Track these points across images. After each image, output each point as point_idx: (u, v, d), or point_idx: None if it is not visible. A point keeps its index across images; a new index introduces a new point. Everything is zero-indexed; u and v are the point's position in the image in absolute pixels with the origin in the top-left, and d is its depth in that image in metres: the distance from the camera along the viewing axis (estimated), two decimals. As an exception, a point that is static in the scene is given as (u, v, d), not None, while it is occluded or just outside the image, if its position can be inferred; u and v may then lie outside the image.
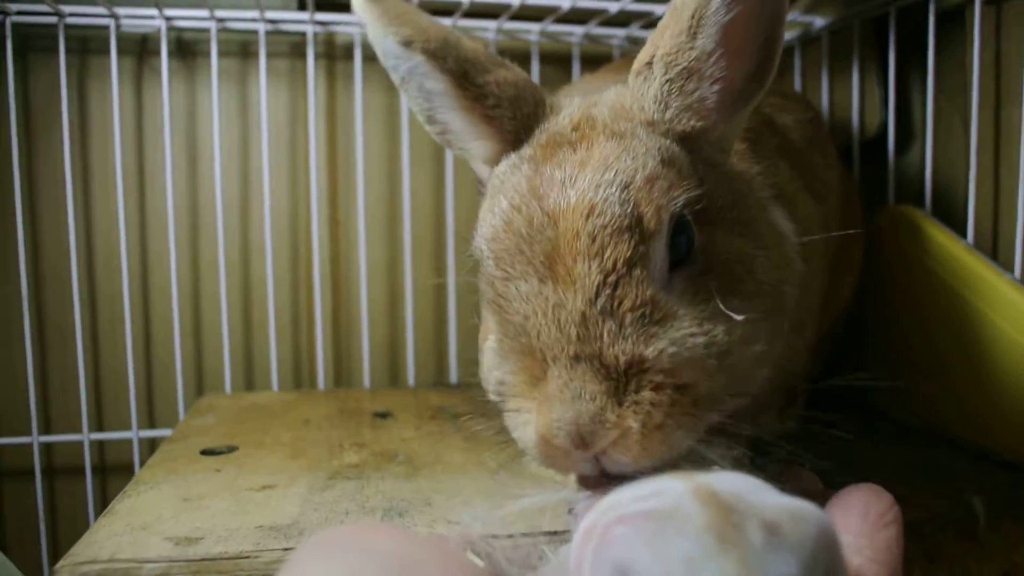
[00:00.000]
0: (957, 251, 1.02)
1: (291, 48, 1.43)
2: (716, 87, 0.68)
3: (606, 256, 0.59)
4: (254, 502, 0.78)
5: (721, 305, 0.62)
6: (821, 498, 0.60)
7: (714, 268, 0.64)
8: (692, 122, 0.68)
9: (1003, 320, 0.94)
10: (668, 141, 0.67)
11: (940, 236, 1.05)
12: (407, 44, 0.71)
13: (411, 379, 1.43)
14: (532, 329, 0.59)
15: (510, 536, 0.66)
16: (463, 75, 0.69)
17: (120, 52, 1.30)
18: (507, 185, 0.66)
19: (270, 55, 1.38)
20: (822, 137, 1.03)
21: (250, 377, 1.45)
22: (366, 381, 1.42)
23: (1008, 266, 0.98)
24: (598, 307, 0.58)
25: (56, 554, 0.65)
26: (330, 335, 1.47)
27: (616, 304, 0.58)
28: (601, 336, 0.58)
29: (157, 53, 1.32)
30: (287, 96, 1.44)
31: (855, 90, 1.28)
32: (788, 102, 0.99)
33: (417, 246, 1.43)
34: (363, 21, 0.74)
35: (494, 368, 0.64)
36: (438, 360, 1.52)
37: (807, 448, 0.98)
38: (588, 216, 0.60)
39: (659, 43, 0.67)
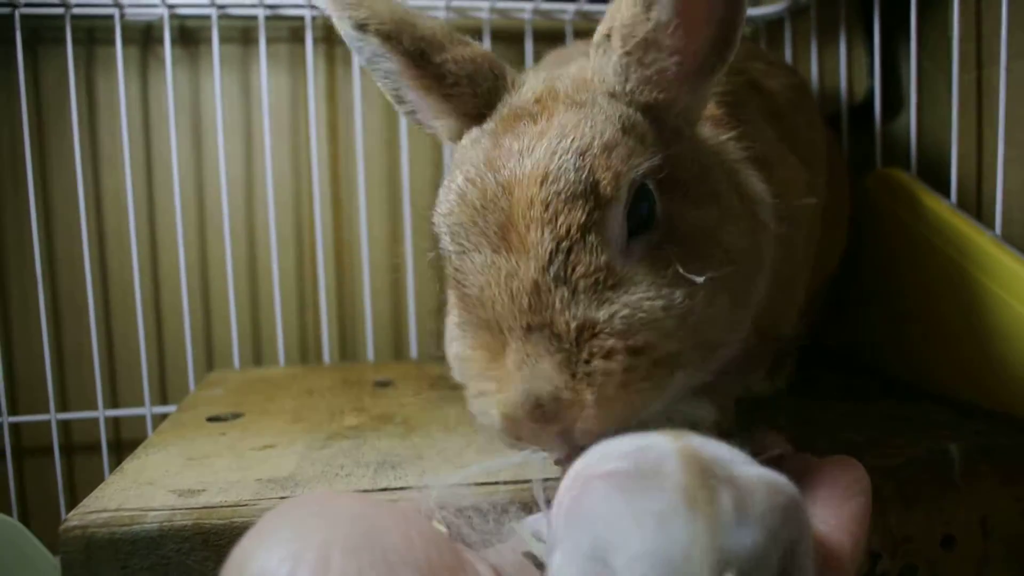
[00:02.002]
0: (941, 210, 1.04)
1: (291, 33, 1.46)
2: (675, 59, 0.66)
3: (559, 223, 0.58)
4: (255, 459, 0.82)
5: (680, 270, 0.60)
6: (790, 460, 0.62)
7: (678, 237, 0.63)
8: (654, 94, 0.67)
9: (984, 275, 0.96)
10: (631, 110, 0.66)
11: (925, 196, 1.07)
12: (361, 28, 0.70)
13: (413, 351, 1.46)
14: (487, 301, 0.59)
15: (475, 484, 0.66)
16: (419, 55, 0.68)
17: (125, 41, 1.33)
18: (465, 159, 0.65)
19: (270, 40, 1.41)
20: (807, 102, 1.04)
21: (258, 353, 1.49)
22: (370, 354, 1.44)
23: (990, 224, 1.00)
24: (551, 275, 0.57)
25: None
26: (335, 311, 1.50)
27: (569, 271, 0.57)
28: (553, 304, 0.57)
29: (160, 41, 1.36)
30: (288, 80, 1.47)
31: (842, 58, 1.29)
32: (773, 68, 1.01)
33: (417, 223, 1.45)
34: (320, 5, 0.73)
35: (453, 342, 0.63)
36: (440, 332, 1.54)
37: (791, 404, 1.01)
38: (542, 183, 0.59)
39: (616, 15, 0.67)
